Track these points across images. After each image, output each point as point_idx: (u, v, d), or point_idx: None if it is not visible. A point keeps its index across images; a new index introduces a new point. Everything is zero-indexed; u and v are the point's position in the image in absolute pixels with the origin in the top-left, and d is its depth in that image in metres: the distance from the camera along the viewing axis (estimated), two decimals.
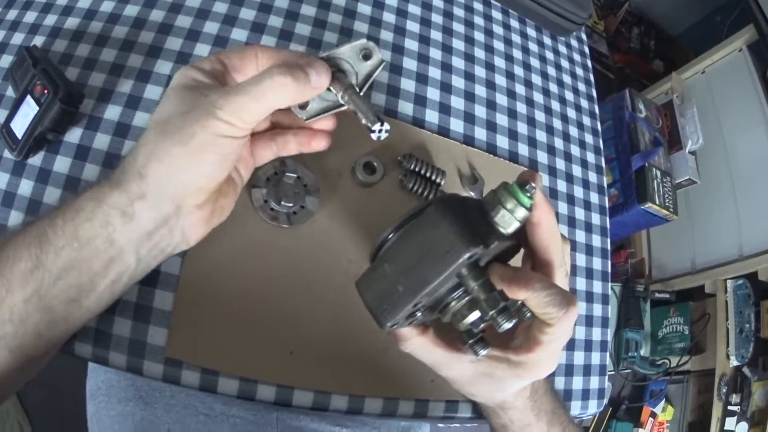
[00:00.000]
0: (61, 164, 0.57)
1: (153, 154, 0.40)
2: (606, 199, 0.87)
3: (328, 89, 0.46)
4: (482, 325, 0.45)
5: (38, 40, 0.63)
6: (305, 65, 0.42)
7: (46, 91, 0.55)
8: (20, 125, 0.55)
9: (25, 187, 0.56)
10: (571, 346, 0.75)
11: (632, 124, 2.11)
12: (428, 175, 0.67)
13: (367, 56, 0.47)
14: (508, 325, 0.41)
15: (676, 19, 3.20)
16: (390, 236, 0.42)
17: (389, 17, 0.79)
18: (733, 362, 1.87)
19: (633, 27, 3.11)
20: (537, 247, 0.46)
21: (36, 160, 0.57)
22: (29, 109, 0.55)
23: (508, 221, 0.42)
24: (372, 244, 0.45)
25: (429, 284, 0.39)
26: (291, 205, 0.59)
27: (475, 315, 0.43)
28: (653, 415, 2.20)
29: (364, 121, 0.44)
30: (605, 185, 0.88)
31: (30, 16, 0.65)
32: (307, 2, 0.74)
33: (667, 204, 2.04)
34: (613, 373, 2.14)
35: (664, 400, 2.21)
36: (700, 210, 2.23)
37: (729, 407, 1.86)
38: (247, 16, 0.70)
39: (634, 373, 2.19)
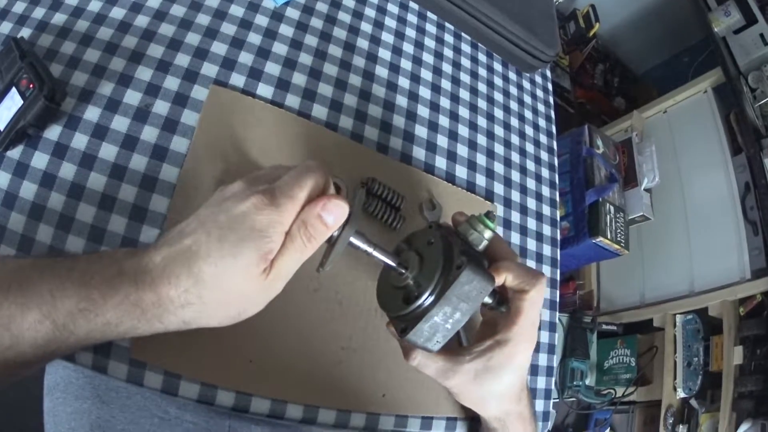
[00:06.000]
0: (39, 160, 0.58)
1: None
2: (558, 231, 0.92)
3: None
4: None
5: (25, 32, 0.64)
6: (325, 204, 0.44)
7: (31, 86, 0.56)
8: (3, 117, 0.56)
9: (2, 179, 0.56)
10: None
11: (589, 159, 2.14)
12: (389, 199, 0.70)
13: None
14: (504, 310, 0.57)
15: (643, 58, 3.27)
16: (428, 298, 0.51)
17: (363, 43, 0.83)
18: (680, 394, 1.90)
19: (598, 64, 3.14)
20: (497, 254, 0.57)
21: (14, 153, 0.58)
22: (12, 102, 0.56)
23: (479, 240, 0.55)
24: (394, 308, 0.53)
25: (468, 315, 0.51)
26: None
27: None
28: None
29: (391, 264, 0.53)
30: (558, 218, 0.93)
31: (19, 6, 0.66)
32: (286, 22, 0.77)
33: (618, 239, 2.07)
34: (558, 400, 2.15)
35: (609, 429, 2.24)
36: (652, 246, 2.27)
37: None
38: (227, 31, 0.72)
39: (579, 402, 2.20)
